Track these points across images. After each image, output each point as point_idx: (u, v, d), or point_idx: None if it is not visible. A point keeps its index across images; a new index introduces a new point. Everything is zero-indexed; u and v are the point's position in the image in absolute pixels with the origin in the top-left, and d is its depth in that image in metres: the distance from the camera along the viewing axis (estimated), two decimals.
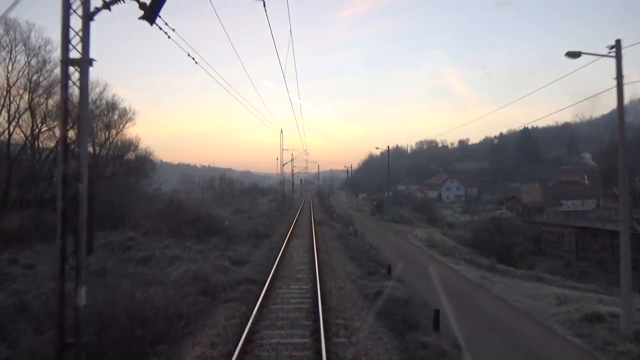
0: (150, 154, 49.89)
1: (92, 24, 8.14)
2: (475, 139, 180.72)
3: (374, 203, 56.77)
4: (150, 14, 7.75)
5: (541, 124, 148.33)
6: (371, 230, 38.05)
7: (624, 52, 13.00)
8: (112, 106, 45.94)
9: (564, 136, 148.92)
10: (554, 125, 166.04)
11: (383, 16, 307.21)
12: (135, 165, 47.12)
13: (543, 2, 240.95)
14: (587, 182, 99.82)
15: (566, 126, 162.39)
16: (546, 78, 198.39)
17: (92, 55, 8.18)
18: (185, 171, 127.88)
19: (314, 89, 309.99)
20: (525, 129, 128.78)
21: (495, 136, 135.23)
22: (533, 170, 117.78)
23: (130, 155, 47.44)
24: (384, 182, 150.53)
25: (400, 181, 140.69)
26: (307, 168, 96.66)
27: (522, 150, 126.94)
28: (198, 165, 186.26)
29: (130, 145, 47.59)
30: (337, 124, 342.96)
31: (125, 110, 46.88)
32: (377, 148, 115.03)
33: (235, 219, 35.96)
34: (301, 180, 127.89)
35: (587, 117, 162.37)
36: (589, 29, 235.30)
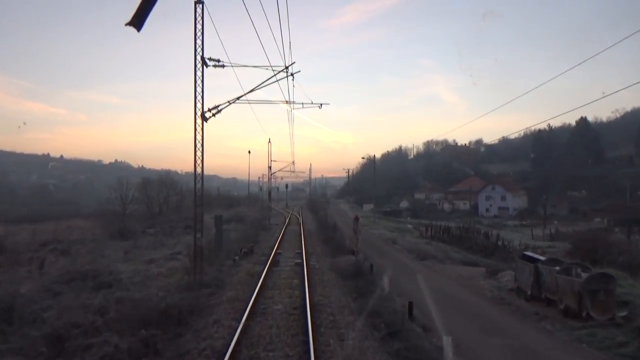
0: None
1: None
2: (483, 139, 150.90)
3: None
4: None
5: (557, 123, 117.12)
6: None
7: None
8: None
9: (606, 133, 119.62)
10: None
11: (373, 25, 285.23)
12: None
13: (528, 14, 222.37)
14: None
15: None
16: (529, 86, 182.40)
17: None
18: (165, 177, 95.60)
19: (303, 96, 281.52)
20: (582, 119, 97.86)
21: (540, 129, 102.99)
22: (602, 174, 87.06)
23: None
24: (393, 189, 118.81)
25: (418, 188, 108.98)
26: (294, 163, 64.52)
27: (578, 148, 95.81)
28: (179, 172, 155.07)
29: None
30: (327, 132, 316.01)
31: None
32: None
33: None
34: (287, 186, 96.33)
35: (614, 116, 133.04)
36: (572, 39, 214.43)
